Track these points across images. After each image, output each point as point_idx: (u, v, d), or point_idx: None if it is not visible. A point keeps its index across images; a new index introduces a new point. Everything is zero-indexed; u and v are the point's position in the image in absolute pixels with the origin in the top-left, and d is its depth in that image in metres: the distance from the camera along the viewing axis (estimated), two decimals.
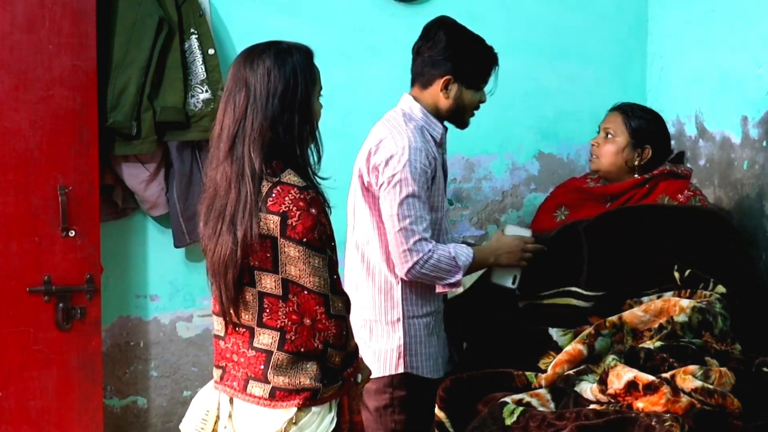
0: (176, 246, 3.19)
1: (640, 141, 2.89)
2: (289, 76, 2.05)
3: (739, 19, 3.18)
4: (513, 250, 2.66)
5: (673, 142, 3.51)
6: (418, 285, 2.65)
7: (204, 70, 3.08)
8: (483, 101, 2.76)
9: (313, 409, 2.07)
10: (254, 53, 2.09)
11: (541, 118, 3.62)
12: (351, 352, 2.14)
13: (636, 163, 2.90)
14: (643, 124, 2.90)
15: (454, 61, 2.64)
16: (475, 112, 2.78)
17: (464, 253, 2.59)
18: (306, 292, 2.01)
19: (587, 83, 3.64)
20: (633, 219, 2.72)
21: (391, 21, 3.39)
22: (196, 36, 3.08)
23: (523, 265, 2.67)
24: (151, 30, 2.97)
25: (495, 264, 2.68)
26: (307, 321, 2.02)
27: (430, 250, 2.54)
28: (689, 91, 3.45)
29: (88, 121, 2.87)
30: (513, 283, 2.69)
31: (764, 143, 3.06)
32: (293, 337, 2.03)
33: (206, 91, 3.08)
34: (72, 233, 2.87)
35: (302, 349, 2.03)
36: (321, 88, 2.17)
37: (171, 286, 3.30)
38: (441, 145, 2.73)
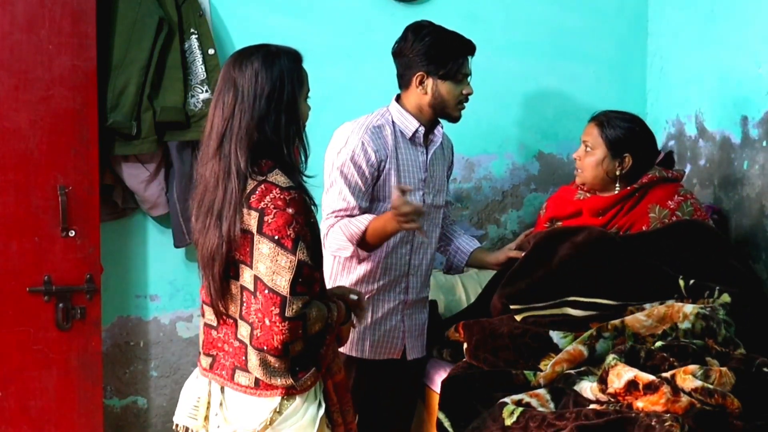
0: (176, 246, 3.18)
1: (618, 151, 2.85)
2: (276, 79, 2.11)
3: (739, 19, 3.18)
4: (390, 218, 2.53)
5: (673, 143, 3.52)
6: (339, 262, 2.77)
7: (204, 70, 3.08)
8: (469, 93, 2.81)
9: (298, 397, 2.12)
10: (243, 55, 2.15)
11: (541, 118, 3.62)
12: (315, 333, 2.13)
13: (618, 173, 2.86)
14: (619, 134, 2.85)
15: (421, 57, 2.75)
16: (465, 104, 2.82)
17: (356, 227, 2.61)
18: (266, 291, 2.04)
19: (587, 83, 3.64)
20: (629, 246, 2.72)
21: (391, 21, 3.39)
22: (196, 36, 3.08)
23: (405, 227, 2.50)
24: (151, 30, 2.97)
25: (394, 231, 2.59)
26: (267, 321, 2.05)
27: (327, 227, 2.66)
28: (689, 91, 3.45)
29: (88, 121, 2.87)
30: None
31: (764, 143, 3.06)
32: (258, 334, 2.06)
33: (206, 91, 3.08)
34: (72, 233, 2.87)
35: (265, 347, 2.06)
36: (308, 91, 2.21)
37: (171, 286, 3.30)
38: (417, 142, 2.81)
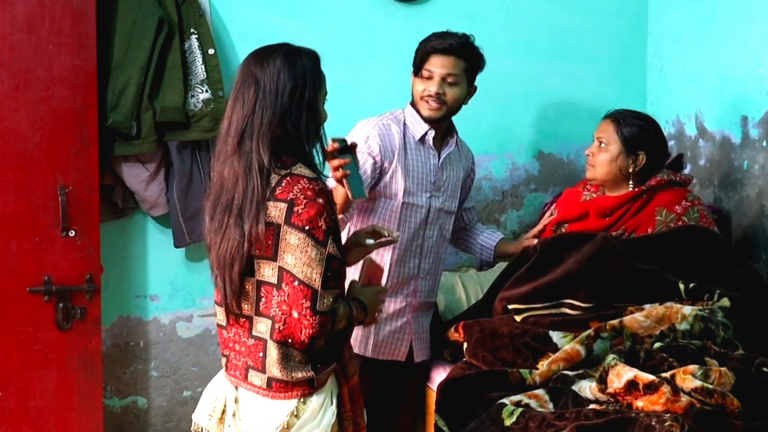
0: (176, 246, 3.18)
1: (633, 148, 2.85)
2: (298, 76, 2.09)
3: (739, 19, 3.18)
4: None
5: (673, 143, 3.52)
6: None
7: (204, 70, 3.08)
8: (426, 93, 2.78)
9: (314, 401, 2.10)
10: (264, 53, 2.12)
11: (541, 118, 3.62)
12: (338, 331, 2.13)
13: (630, 170, 2.86)
14: (635, 131, 2.86)
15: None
16: (431, 103, 2.79)
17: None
18: (296, 283, 2.02)
19: (587, 83, 3.64)
20: (631, 249, 2.72)
21: (391, 21, 3.40)
22: (196, 36, 3.08)
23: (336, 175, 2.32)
24: (151, 30, 2.97)
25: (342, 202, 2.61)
26: (295, 314, 2.03)
27: None
28: (689, 91, 3.45)
29: (88, 121, 2.87)
30: None
31: (764, 143, 3.06)
32: (281, 327, 2.04)
33: (206, 91, 3.08)
34: (72, 233, 2.87)
35: (289, 340, 2.04)
36: (326, 93, 2.19)
37: (171, 286, 3.30)
38: (427, 144, 2.84)
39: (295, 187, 2.02)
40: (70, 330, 2.90)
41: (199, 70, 3.08)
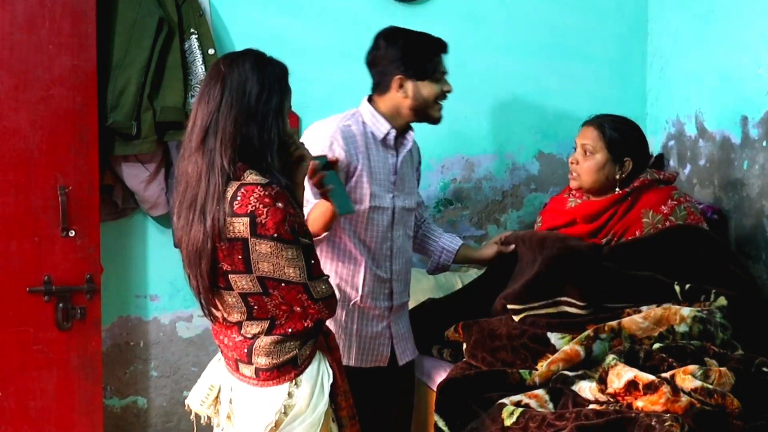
0: (176, 246, 3.18)
1: (619, 155, 2.82)
2: (266, 82, 2.10)
3: (739, 19, 3.18)
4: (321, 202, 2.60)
5: (673, 143, 3.52)
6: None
7: (204, 70, 3.08)
8: (448, 90, 2.78)
9: (306, 386, 2.12)
10: (234, 55, 2.16)
11: (541, 118, 3.62)
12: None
13: (617, 177, 2.83)
14: (620, 138, 2.82)
15: (397, 62, 2.73)
16: (442, 102, 2.79)
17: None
18: (284, 285, 2.06)
19: (587, 83, 3.64)
20: (620, 255, 2.72)
21: (391, 21, 3.37)
22: (196, 36, 3.09)
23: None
24: (151, 30, 2.98)
25: (325, 211, 2.62)
26: (297, 309, 2.08)
27: None
28: (689, 91, 3.45)
29: (88, 121, 2.87)
30: None
31: (764, 143, 3.06)
32: (283, 322, 2.10)
33: None
34: (72, 233, 2.87)
35: (290, 330, 2.10)
36: (290, 108, 2.19)
37: (171, 286, 3.31)
38: (387, 144, 2.78)
39: (251, 198, 2.02)
40: (70, 330, 2.90)
41: (199, 70, 3.08)
